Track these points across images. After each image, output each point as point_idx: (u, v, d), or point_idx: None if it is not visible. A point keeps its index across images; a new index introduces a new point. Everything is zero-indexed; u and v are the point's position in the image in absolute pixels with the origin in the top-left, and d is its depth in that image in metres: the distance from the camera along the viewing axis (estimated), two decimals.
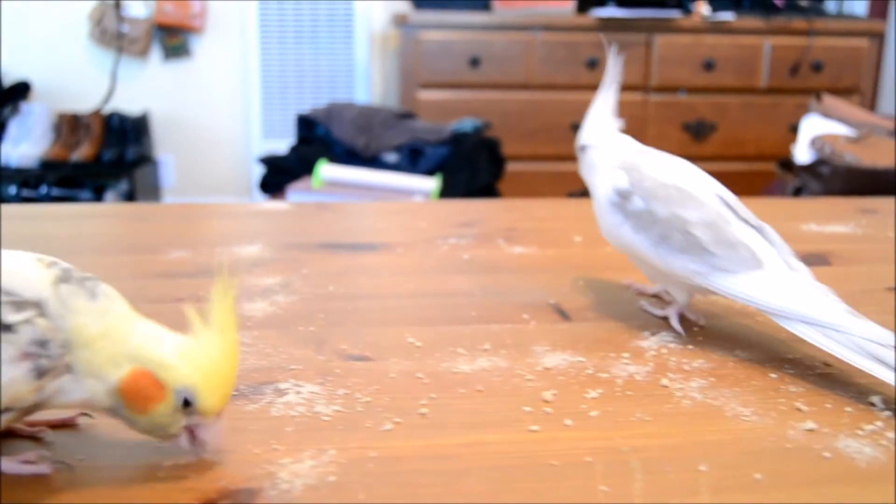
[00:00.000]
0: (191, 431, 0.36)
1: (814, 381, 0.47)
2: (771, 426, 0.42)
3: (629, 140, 0.59)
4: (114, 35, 3.10)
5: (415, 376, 0.47)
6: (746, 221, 0.52)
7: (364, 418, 0.42)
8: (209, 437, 0.36)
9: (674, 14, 2.86)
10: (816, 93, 2.32)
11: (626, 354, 0.51)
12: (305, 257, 0.72)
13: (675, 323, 0.55)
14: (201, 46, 3.22)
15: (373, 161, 1.94)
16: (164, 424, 0.35)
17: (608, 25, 2.86)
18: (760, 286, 0.49)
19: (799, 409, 0.43)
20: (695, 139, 2.95)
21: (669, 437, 0.40)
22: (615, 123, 0.59)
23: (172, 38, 3.18)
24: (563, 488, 0.36)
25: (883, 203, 1.01)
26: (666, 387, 0.46)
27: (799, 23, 2.90)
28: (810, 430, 0.41)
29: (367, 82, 3.26)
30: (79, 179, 2.95)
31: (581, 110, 2.47)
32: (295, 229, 0.84)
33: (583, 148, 0.59)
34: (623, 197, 0.54)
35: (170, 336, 0.36)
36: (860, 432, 0.41)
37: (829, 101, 2.12)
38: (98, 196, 2.93)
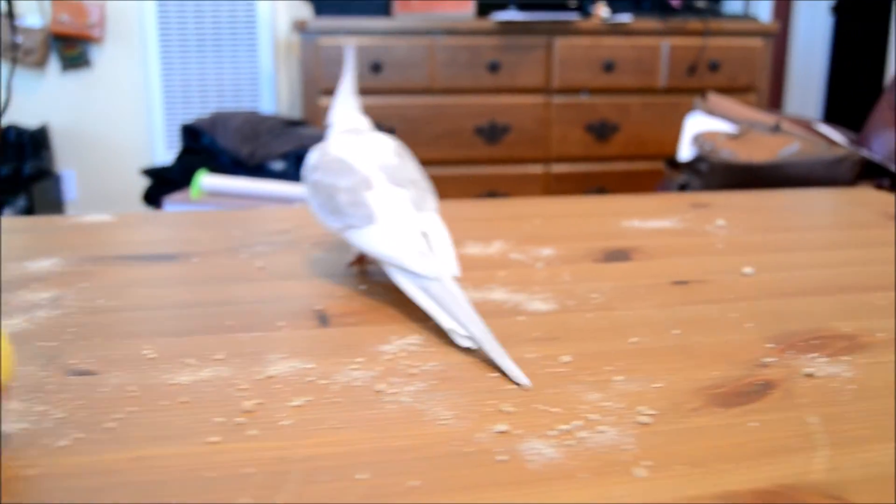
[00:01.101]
0: None
1: (538, 379, 0.46)
2: (463, 429, 0.40)
3: (362, 120, 0.69)
4: (8, 46, 3.02)
5: (126, 390, 0.45)
6: (400, 184, 0.61)
7: (45, 435, 0.40)
8: None
9: (573, 17, 2.88)
10: (702, 91, 2.34)
11: (360, 359, 0.49)
12: (95, 270, 0.70)
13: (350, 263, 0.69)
14: (101, 56, 3.16)
15: (259, 169, 1.91)
16: None
17: (508, 29, 2.87)
18: (370, 237, 0.59)
19: (502, 411, 0.42)
20: (598, 139, 2.97)
21: (351, 444, 0.39)
22: (355, 104, 0.70)
23: (70, 49, 3.12)
24: (203, 502, 0.34)
25: (721, 197, 1.02)
26: (380, 392, 0.45)
27: (695, 24, 2.94)
28: (501, 433, 0.40)
29: (272, 90, 3.23)
30: None
31: (485, 113, 2.53)
32: (104, 241, 0.81)
33: (325, 127, 0.71)
34: (310, 171, 0.65)
35: None
36: (552, 432, 0.40)
37: (714, 99, 2.15)
38: None
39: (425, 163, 2.91)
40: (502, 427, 0.40)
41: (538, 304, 0.60)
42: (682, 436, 0.40)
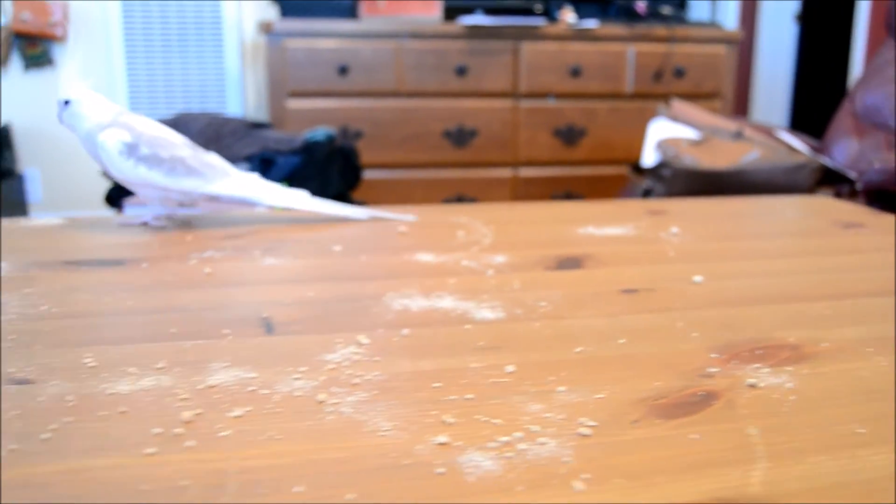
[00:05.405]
0: None
1: (481, 389, 0.46)
2: (403, 441, 0.40)
3: (100, 97, 0.83)
4: None
5: (63, 399, 0.45)
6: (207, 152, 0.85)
7: None
8: None
9: (539, 22, 2.88)
10: (667, 97, 2.35)
11: (303, 368, 0.49)
12: (40, 275, 0.69)
13: (153, 220, 0.87)
14: (64, 55, 3.12)
15: None
16: None
17: (475, 33, 2.87)
18: (233, 185, 0.84)
19: (444, 422, 0.42)
20: (566, 144, 2.98)
21: (288, 456, 0.39)
22: (87, 84, 0.92)
23: (32, 48, 3.08)
24: None
25: (677, 204, 1.03)
26: (322, 402, 0.44)
27: (660, 30, 2.96)
28: (441, 444, 0.40)
29: (239, 92, 3.21)
30: None
31: (452, 117, 2.53)
32: (52, 245, 0.80)
33: (66, 102, 0.82)
34: (130, 148, 0.81)
35: None
36: (492, 444, 0.40)
37: (678, 105, 2.16)
38: None
39: (393, 166, 2.90)
40: (442, 439, 0.40)
41: (486, 313, 0.60)
42: (621, 448, 0.40)
